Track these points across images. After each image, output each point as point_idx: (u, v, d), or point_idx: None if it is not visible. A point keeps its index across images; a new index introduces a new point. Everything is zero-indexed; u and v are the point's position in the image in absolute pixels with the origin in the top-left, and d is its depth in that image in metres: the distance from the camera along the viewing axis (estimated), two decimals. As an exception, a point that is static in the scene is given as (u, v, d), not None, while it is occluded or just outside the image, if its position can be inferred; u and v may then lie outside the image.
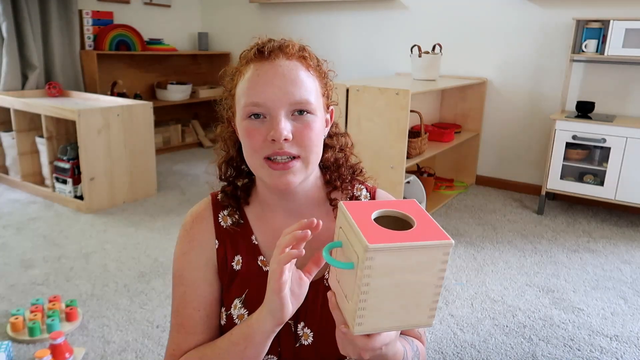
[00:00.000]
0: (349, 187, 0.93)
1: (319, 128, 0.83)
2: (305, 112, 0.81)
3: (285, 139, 0.78)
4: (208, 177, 0.98)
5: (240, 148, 0.89)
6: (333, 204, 0.91)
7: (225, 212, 0.93)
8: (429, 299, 0.64)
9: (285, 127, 0.78)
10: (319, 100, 0.84)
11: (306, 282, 0.76)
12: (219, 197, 0.94)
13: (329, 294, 0.70)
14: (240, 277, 0.90)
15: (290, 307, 0.74)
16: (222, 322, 0.91)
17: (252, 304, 0.88)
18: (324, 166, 0.93)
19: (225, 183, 0.94)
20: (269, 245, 0.91)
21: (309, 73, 0.83)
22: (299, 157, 0.81)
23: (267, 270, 0.88)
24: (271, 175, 0.81)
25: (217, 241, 0.92)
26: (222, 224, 0.92)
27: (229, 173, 0.93)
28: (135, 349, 1.88)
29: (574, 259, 2.73)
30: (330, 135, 0.94)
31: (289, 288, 0.73)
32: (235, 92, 0.84)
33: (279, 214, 0.90)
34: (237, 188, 0.93)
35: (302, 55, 0.83)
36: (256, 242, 0.91)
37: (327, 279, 0.84)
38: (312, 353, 0.87)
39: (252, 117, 0.80)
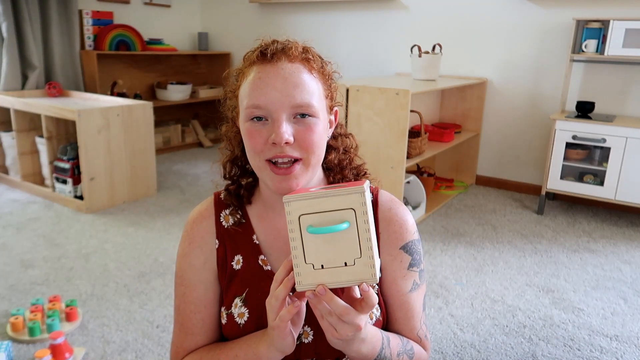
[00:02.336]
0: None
1: (321, 131, 0.83)
2: (307, 115, 0.80)
3: (287, 143, 0.78)
4: (209, 177, 0.99)
5: (244, 148, 0.89)
6: None
7: (227, 212, 0.93)
8: None
9: (287, 130, 0.78)
10: (321, 103, 0.84)
11: (303, 308, 0.77)
12: (221, 195, 0.95)
13: (320, 289, 0.68)
14: (241, 276, 0.91)
15: (295, 339, 0.77)
16: (223, 322, 0.92)
17: (253, 303, 0.89)
18: (327, 168, 0.93)
19: (230, 182, 0.95)
20: (270, 245, 0.91)
21: (312, 75, 0.82)
22: (300, 159, 0.81)
23: (268, 270, 0.90)
24: (273, 179, 0.81)
25: (217, 241, 0.93)
26: (223, 223, 0.93)
27: (233, 172, 0.94)
28: (135, 349, 1.88)
29: (574, 259, 2.73)
30: (334, 137, 0.94)
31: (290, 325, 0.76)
32: (239, 94, 0.85)
33: (282, 214, 0.90)
34: (241, 187, 0.94)
35: (306, 57, 0.83)
36: (257, 242, 0.92)
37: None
38: (312, 351, 0.88)
39: (254, 119, 0.80)
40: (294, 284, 0.71)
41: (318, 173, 0.89)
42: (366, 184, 0.70)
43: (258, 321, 0.88)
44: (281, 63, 0.80)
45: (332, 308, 0.69)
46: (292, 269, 0.72)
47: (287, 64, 0.81)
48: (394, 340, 0.87)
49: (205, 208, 0.95)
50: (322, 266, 0.69)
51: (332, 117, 0.90)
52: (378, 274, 0.69)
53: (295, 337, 0.77)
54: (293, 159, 0.80)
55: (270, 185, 0.83)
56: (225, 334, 0.92)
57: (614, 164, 3.10)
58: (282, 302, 0.73)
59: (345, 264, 0.68)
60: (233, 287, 0.91)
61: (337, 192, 0.67)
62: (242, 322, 0.88)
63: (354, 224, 0.67)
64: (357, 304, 0.71)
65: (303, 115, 0.80)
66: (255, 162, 0.83)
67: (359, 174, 0.96)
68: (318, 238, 0.68)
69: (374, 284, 0.72)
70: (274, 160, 0.80)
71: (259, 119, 0.80)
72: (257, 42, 0.85)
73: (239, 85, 0.85)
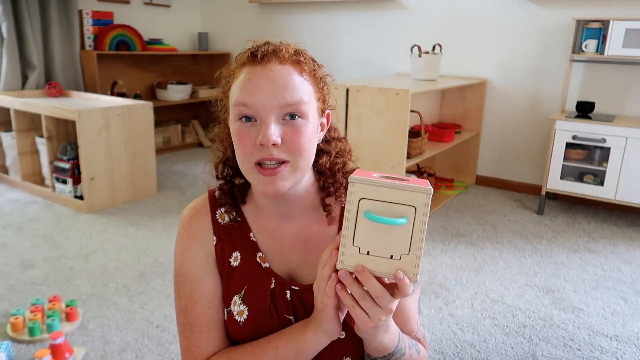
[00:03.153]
0: (344, 194, 0.92)
1: (310, 133, 0.82)
2: (296, 116, 0.80)
3: (274, 144, 0.78)
4: (206, 177, 0.99)
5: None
6: (327, 210, 0.90)
7: (223, 210, 0.93)
8: None
9: (274, 132, 0.78)
10: (312, 105, 0.83)
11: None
12: (216, 194, 0.94)
13: (359, 267, 0.69)
14: (239, 274, 0.90)
15: (340, 323, 0.78)
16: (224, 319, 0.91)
17: (251, 300, 0.89)
18: (318, 171, 0.92)
19: (223, 182, 0.94)
20: (265, 245, 0.91)
21: (303, 78, 0.82)
22: (287, 162, 0.80)
23: (266, 267, 0.90)
24: (260, 181, 0.80)
25: (214, 237, 0.92)
26: (219, 220, 0.93)
27: (225, 172, 0.94)
28: (135, 349, 1.88)
29: (574, 259, 2.73)
30: (326, 140, 0.93)
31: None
32: (229, 94, 0.84)
33: (273, 217, 0.91)
34: (235, 186, 0.93)
35: (297, 59, 0.82)
36: (254, 239, 0.91)
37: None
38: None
39: (243, 119, 0.80)
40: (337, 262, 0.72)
41: (308, 176, 0.88)
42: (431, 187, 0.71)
43: (258, 318, 0.88)
44: (271, 65, 0.80)
45: (368, 288, 0.70)
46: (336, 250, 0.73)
47: (277, 66, 0.80)
48: (404, 336, 0.87)
49: (200, 205, 0.94)
50: (368, 252, 0.70)
51: (324, 120, 0.89)
52: (419, 276, 0.70)
53: (342, 319, 0.78)
54: (280, 161, 0.80)
55: (258, 187, 0.82)
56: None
57: (614, 164, 3.10)
58: (327, 283, 0.73)
59: (391, 256, 0.69)
60: (232, 285, 0.90)
61: (405, 187, 0.68)
62: (242, 319, 0.88)
63: (411, 221, 0.68)
64: (389, 289, 0.71)
65: (292, 117, 0.79)
66: (244, 164, 0.82)
67: None
68: (372, 225, 0.69)
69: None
70: (261, 163, 0.80)
71: (248, 119, 0.79)
72: (250, 43, 0.85)
73: (230, 86, 0.84)
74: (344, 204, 0.87)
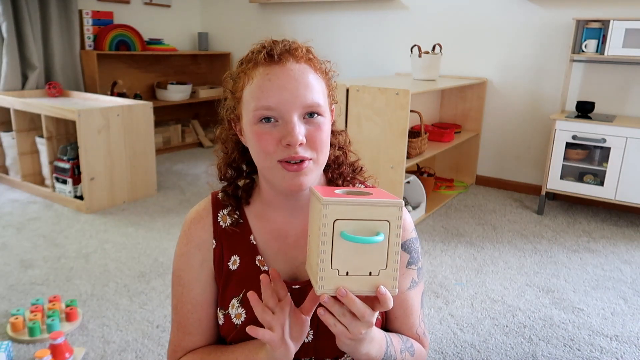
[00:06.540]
0: (350, 186, 0.94)
1: (328, 129, 0.83)
2: (315, 115, 0.81)
3: (300, 144, 0.78)
4: (208, 178, 0.99)
5: (241, 150, 0.90)
6: None
7: (225, 212, 0.93)
8: None
9: (300, 131, 0.78)
10: (326, 102, 0.84)
11: (305, 321, 0.79)
12: (219, 196, 0.94)
13: (341, 291, 0.69)
14: (238, 277, 0.91)
15: (293, 349, 0.78)
16: (220, 322, 0.92)
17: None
18: (325, 164, 0.93)
19: (226, 183, 0.94)
20: (267, 246, 0.91)
21: (317, 75, 0.83)
22: (310, 158, 0.81)
23: (265, 270, 0.90)
24: (284, 177, 0.80)
25: (214, 241, 0.92)
26: (220, 223, 0.93)
27: (229, 174, 0.93)
28: (135, 349, 1.88)
29: (574, 259, 2.73)
30: (331, 133, 0.94)
31: (288, 334, 0.77)
32: (242, 96, 0.83)
33: (282, 213, 0.91)
34: (238, 188, 0.93)
35: (309, 57, 0.83)
36: (254, 242, 0.91)
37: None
38: (311, 351, 0.89)
39: (264, 120, 0.80)
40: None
41: None
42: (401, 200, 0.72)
43: (255, 322, 0.88)
44: (289, 64, 0.80)
45: (352, 309, 0.70)
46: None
47: (295, 65, 0.81)
48: (394, 339, 0.88)
49: (202, 208, 0.95)
50: (347, 273, 0.69)
51: (331, 115, 0.91)
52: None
53: (296, 348, 0.78)
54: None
55: (281, 183, 0.81)
56: (223, 334, 0.93)
57: (614, 164, 3.10)
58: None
59: (370, 273, 0.69)
60: (230, 288, 0.91)
61: (377, 202, 0.68)
62: (239, 322, 0.89)
63: (386, 235, 0.69)
64: (369, 302, 0.72)
65: (311, 115, 0.80)
66: (266, 163, 0.81)
67: (355, 170, 0.96)
68: (349, 245, 0.68)
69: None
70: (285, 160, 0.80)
71: (268, 120, 0.79)
72: (254, 45, 0.85)
73: (242, 87, 0.83)
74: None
